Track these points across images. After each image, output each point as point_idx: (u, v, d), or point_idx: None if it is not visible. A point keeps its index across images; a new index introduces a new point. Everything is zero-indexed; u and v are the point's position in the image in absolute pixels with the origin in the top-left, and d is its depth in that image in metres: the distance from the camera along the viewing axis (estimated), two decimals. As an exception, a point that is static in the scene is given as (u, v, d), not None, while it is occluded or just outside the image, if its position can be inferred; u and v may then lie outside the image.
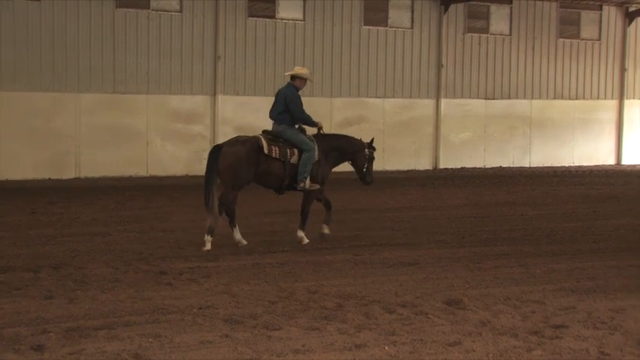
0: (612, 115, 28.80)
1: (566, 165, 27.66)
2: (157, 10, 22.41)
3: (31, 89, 21.29)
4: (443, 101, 26.03)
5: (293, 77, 12.36)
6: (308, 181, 12.15)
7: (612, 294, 9.19)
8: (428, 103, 25.91)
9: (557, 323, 7.84)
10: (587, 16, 28.25)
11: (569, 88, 28.07)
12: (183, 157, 22.88)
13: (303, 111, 12.19)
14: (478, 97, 26.69)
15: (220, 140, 23.12)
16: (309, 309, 8.29)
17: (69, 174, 21.60)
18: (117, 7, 21.96)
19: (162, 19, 22.48)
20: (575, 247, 12.38)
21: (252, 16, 23.48)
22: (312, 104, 24.12)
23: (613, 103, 28.80)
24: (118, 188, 19.56)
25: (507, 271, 10.45)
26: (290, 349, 6.93)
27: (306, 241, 12.22)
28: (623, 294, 9.20)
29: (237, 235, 12.07)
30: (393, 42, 25.35)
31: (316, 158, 12.20)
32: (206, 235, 11.75)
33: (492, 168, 26.31)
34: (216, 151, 11.95)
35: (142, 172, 22.28)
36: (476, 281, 9.79)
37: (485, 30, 26.72)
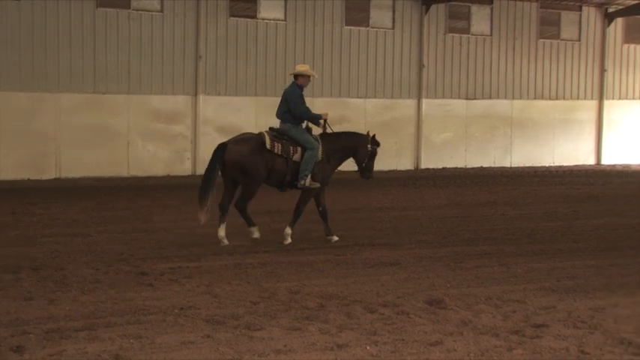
0: (592, 116, 28.97)
1: (547, 165, 27.80)
2: (137, 10, 22.33)
3: (11, 89, 21.15)
4: (424, 101, 26.10)
5: (296, 76, 12.50)
6: (309, 179, 12.20)
7: (592, 293, 9.25)
8: (409, 104, 25.97)
9: (538, 322, 7.89)
10: (567, 17, 28.41)
11: (550, 88, 28.21)
12: (164, 157, 22.81)
13: (300, 107, 12.23)
14: (459, 98, 26.77)
15: (201, 141, 23.14)
16: (290, 309, 8.29)
17: (49, 174, 21.48)
18: (97, 7, 21.86)
19: (143, 19, 22.40)
20: (556, 246, 12.45)
21: (234, 15, 23.44)
22: (293, 104, 24.21)
23: (593, 104, 28.97)
24: (98, 189, 19.47)
25: (488, 270, 10.49)
26: (272, 349, 6.93)
27: (288, 240, 12.22)
28: (603, 293, 9.27)
29: (222, 232, 12.05)
30: (375, 42, 25.38)
31: (319, 158, 12.27)
32: (220, 233, 11.99)
33: (473, 168, 26.40)
34: (221, 149, 12.05)
35: (122, 173, 22.19)
36: (457, 281, 9.83)
37: (466, 30, 26.80)
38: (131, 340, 7.07)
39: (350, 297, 8.83)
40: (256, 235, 12.24)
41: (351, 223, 14.44)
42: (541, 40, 27.90)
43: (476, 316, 8.08)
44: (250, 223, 12.26)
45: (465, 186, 21.28)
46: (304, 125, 12.44)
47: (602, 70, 28.97)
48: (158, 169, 22.66)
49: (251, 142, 12.08)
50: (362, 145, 12.73)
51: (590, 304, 8.67)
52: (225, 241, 12.01)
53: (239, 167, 11.91)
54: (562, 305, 8.62)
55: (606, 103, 29.06)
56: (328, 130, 12.66)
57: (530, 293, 9.17)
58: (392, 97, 25.68)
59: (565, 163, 28.12)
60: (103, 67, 21.98)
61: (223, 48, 23.27)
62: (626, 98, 29.55)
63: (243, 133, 12.69)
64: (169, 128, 22.87)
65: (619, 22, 29.09)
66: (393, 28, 25.68)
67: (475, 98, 26.95)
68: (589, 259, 11.40)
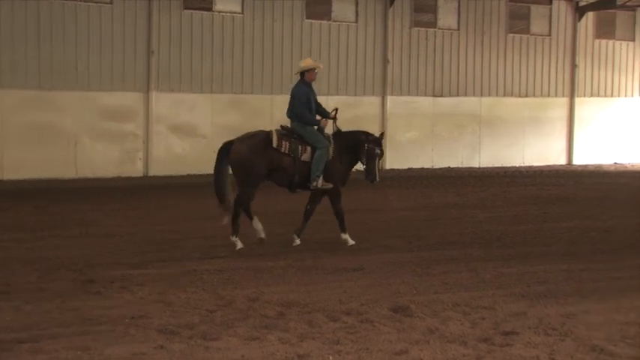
0: (563, 113, 29.27)
1: (517, 165, 28.03)
2: (85, 2, 22.13)
3: (-52, 85, 20.88)
4: (389, 99, 26.19)
5: (302, 73, 12.60)
6: (321, 180, 12.28)
7: (563, 299, 9.34)
8: (373, 101, 26.04)
9: (508, 330, 7.95)
10: (537, 11, 28.69)
11: (519, 85, 28.45)
12: (114, 157, 22.64)
13: (298, 109, 12.31)
14: (425, 95, 26.91)
15: (154, 140, 23.01)
16: (248, 318, 8.28)
17: (-9, 176, 21.23)
18: (42, -2, 21.64)
19: (91, 11, 22.20)
20: (526, 250, 12.56)
21: (188, 8, 23.34)
22: (251, 102, 24.19)
23: (564, 101, 29.27)
24: (44, 191, 19.27)
25: (456, 276, 10.55)
26: (229, 359, 6.92)
27: (297, 242, 12.39)
28: (575, 299, 9.37)
29: (258, 225, 12.27)
30: (337, 37, 25.43)
31: (330, 157, 12.33)
32: (232, 237, 12.12)
33: (441, 168, 26.55)
34: (226, 148, 12.31)
35: (70, 174, 21.98)
36: (423, 287, 9.87)
37: (433, 24, 26.95)
38: (78, 352, 7.01)
39: (311, 304, 8.83)
40: (260, 234, 12.38)
41: (312, 226, 14.43)
42: (510, 34, 28.14)
43: (443, 324, 8.12)
44: (236, 232, 12.24)
45: (432, 187, 21.40)
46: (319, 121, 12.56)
47: (574, 66, 29.28)
48: (108, 170, 22.48)
49: (254, 140, 12.27)
50: (358, 144, 12.61)
51: (561, 311, 8.76)
52: (262, 234, 12.22)
53: (238, 166, 12.19)
54: (532, 312, 8.70)
55: (577, 100, 29.36)
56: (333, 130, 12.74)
57: (500, 299, 9.23)
58: (355, 95, 25.74)
59: (535, 163, 28.38)
60: (48, 62, 21.75)
61: (177, 42, 23.15)
62: (598, 95, 29.89)
63: (256, 131, 12.75)
64: (120, 127, 22.70)
65: (590, 16, 29.43)
66: (357, 21, 25.75)
67: (442, 95, 27.10)
68: (560, 263, 11.51)
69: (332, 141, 12.48)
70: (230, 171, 12.34)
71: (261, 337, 7.57)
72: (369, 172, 12.67)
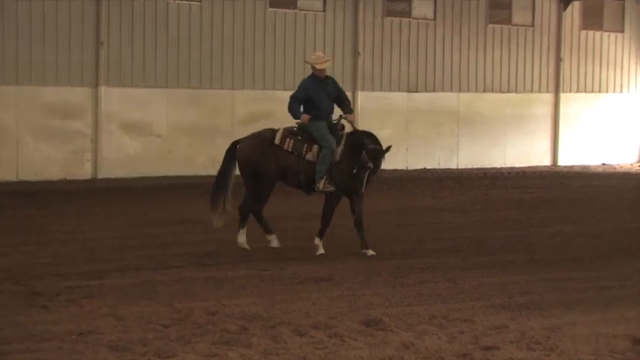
0: (547, 111, 29.45)
1: (498, 166, 28.15)
2: (28, -12, 21.96)
3: None
4: (359, 94, 26.24)
5: (313, 67, 12.96)
6: (322, 182, 12.40)
7: (548, 310, 9.42)
8: (343, 97, 26.07)
9: (488, 344, 8.00)
10: (520, 0, 28.88)
11: (501, 79, 28.60)
12: (59, 158, 22.48)
13: (290, 101, 12.66)
14: (399, 90, 26.99)
15: (103, 139, 22.87)
16: (208, 333, 8.27)
17: None
18: (-22, -16, 21.46)
19: (35, -2, 22.04)
20: (508, 258, 12.65)
21: (141, -5, 23.24)
22: (211, 98, 24.13)
23: (548, 97, 29.47)
24: (-18, 195, 19.12)
25: (433, 286, 10.61)
26: (186, 379, 6.91)
27: (321, 251, 12.47)
28: (560, 310, 9.45)
29: (243, 237, 12.70)
30: (304, 27, 25.43)
31: (337, 158, 12.45)
32: (267, 236, 12.73)
33: (416, 170, 26.62)
34: (232, 148, 12.78)
35: (10, 177, 21.79)
36: (397, 298, 9.91)
37: (407, 14, 27.05)
38: (21, 372, 6.97)
39: (276, 318, 8.84)
40: (275, 243, 12.75)
41: (277, 232, 14.44)
42: (491, 25, 28.30)
43: (419, 338, 8.16)
44: (267, 230, 12.85)
45: (407, 190, 21.47)
46: (341, 117, 12.74)
47: (559, 60, 29.49)
48: (52, 173, 22.32)
49: (258, 139, 12.71)
50: (360, 147, 12.45)
51: (545, 323, 8.84)
52: (246, 246, 12.57)
53: (242, 167, 12.68)
54: (515, 325, 8.77)
55: (563, 96, 29.55)
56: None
57: (480, 311, 9.30)
58: (323, 90, 25.74)
59: (518, 164, 28.53)
60: (-14, 53, 21.58)
61: (128, 32, 23.03)
62: (585, 91, 30.09)
63: (263, 129, 13.07)
64: (66, 125, 22.55)
65: (576, 5, 29.65)
66: (325, 10, 25.79)
67: (417, 91, 27.20)
68: (544, 272, 11.61)
69: (343, 141, 12.56)
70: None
71: (221, 354, 7.57)
72: (358, 180, 12.46)
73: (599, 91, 30.37)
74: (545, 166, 28.98)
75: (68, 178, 22.32)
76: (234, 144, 12.89)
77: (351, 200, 12.73)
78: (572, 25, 29.72)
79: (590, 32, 30.12)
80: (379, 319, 8.78)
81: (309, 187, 12.68)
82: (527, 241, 14.21)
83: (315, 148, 12.51)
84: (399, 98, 26.94)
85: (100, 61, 22.74)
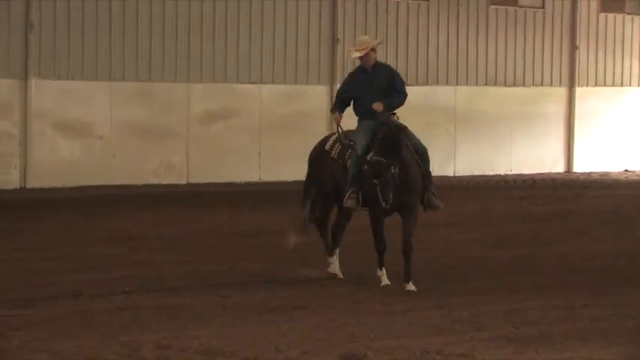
0: (561, 108, 29.53)
1: (502, 173, 28.19)
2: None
3: None
4: (337, 88, 26.23)
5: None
6: (348, 196, 12.10)
7: (560, 343, 9.47)
8: (320, 91, 26.07)
9: (490, 383, 8.07)
10: (528, -23, 29.01)
11: (505, 71, 28.66)
12: (-19, 164, 22.41)
13: (335, 99, 12.86)
14: (386, 83, 27.00)
15: (34, 142, 22.72)
16: (159, 371, 8.29)
17: None
18: None
19: (-48, -26, 21.99)
20: (513, 281, 12.70)
21: (79, -30, 23.21)
22: (162, 92, 24.07)
23: (561, 92, 29.53)
24: None
25: (425, 315, 10.64)
26: None
27: (385, 282, 12.24)
28: (574, 342, 9.50)
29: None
30: (272, 9, 25.39)
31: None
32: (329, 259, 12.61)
33: (405, 178, 26.64)
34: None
35: None
36: (384, 329, 9.94)
37: (395, -7, 27.12)
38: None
39: (240, 352, 8.85)
40: (334, 270, 12.59)
41: (241, 251, 14.48)
42: (493, 6, 28.37)
43: (408, 376, 8.21)
44: (328, 248, 12.79)
45: (395, 202, 21.48)
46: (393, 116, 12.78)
47: (574, 48, 29.57)
48: (-27, 182, 22.26)
49: (320, 142, 12.91)
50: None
51: (557, 358, 8.90)
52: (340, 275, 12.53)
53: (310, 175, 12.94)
54: None
55: (578, 91, 29.61)
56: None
57: (480, 345, 9.34)
58: (296, 83, 25.76)
59: (526, 171, 28.60)
60: None
61: (64, 16, 22.95)
62: (604, 85, 30.16)
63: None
64: (-11, 124, 22.50)
65: (594, -16, 29.82)
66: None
67: (407, 84, 27.18)
68: (556, 298, 11.65)
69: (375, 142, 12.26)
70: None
71: (175, 396, 7.59)
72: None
73: (621, 85, 30.45)
74: (558, 173, 29.04)
75: (-9, 187, 22.25)
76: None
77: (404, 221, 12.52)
78: (588, 7, 29.79)
79: (611, 15, 30.22)
80: (362, 353, 8.81)
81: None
82: (537, 262, 14.27)
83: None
84: (342, 89, 26.86)
85: (30, 48, 22.67)
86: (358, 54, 12.75)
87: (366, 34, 26.47)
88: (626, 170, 29.81)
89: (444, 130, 27.77)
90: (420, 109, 27.36)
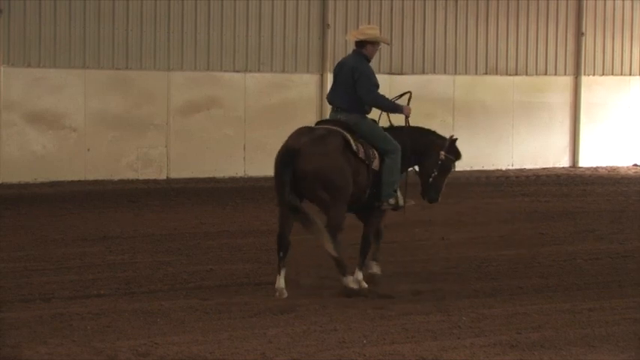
0: (565, 98, 29.56)
1: (503, 168, 28.24)
2: None
3: None
4: (330, 77, 26.23)
5: (361, 42, 12.64)
6: (399, 196, 12.24)
7: (566, 349, 9.49)
8: (309, 80, 26.09)
9: (491, 392, 8.07)
10: (531, -42, 29.03)
11: (507, 59, 28.68)
12: (-54, 158, 22.37)
13: (374, 93, 12.68)
14: (380, 72, 26.79)
15: (2, 134, 22.70)
16: (136, 380, 8.27)
17: None
18: None
19: None
20: (516, 284, 12.71)
21: (51, -50, 23.17)
22: (140, 81, 24.05)
23: (566, 81, 29.56)
24: None
25: (421, 319, 10.65)
26: None
27: (373, 286, 12.21)
28: (581, 349, 9.51)
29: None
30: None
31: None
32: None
33: (400, 173, 26.67)
34: (289, 155, 12.08)
35: None
36: (377, 334, 9.94)
37: (389, -24, 27.13)
38: None
39: (223, 360, 8.85)
40: (353, 284, 12.10)
41: (222, 252, 14.45)
42: (494, -10, 28.43)
43: (403, 385, 8.21)
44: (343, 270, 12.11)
45: (389, 199, 21.49)
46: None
47: (579, 34, 29.61)
48: (-63, 177, 22.23)
49: (330, 139, 12.11)
50: (433, 150, 12.81)
51: (562, 365, 8.92)
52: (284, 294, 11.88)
53: (321, 179, 11.91)
54: (524, 367, 8.85)
55: (584, 80, 29.65)
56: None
57: (480, 351, 9.34)
58: (283, 71, 25.76)
59: (529, 166, 28.64)
60: None
61: (35, -2, 22.94)
62: (612, 74, 30.20)
63: (301, 128, 12.67)
64: (-46, 116, 22.46)
65: (602, -35, 29.85)
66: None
67: (402, 73, 27.26)
68: (562, 301, 11.69)
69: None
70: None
71: (154, 406, 7.58)
72: (435, 189, 12.75)
73: (630, 74, 30.47)
74: (563, 168, 29.09)
75: (-43, 183, 22.22)
76: (290, 151, 12.21)
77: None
78: (596, -10, 29.86)
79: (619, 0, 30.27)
80: (354, 361, 8.82)
81: (366, 206, 12.44)
82: (540, 262, 14.28)
83: (377, 153, 12.35)
84: (379, 81, 26.91)
85: (-1, 33, 22.64)
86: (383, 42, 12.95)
87: (358, 19, 26.59)
88: (635, 165, 29.86)
89: (440, 121, 27.71)
90: (415, 100, 27.30)
